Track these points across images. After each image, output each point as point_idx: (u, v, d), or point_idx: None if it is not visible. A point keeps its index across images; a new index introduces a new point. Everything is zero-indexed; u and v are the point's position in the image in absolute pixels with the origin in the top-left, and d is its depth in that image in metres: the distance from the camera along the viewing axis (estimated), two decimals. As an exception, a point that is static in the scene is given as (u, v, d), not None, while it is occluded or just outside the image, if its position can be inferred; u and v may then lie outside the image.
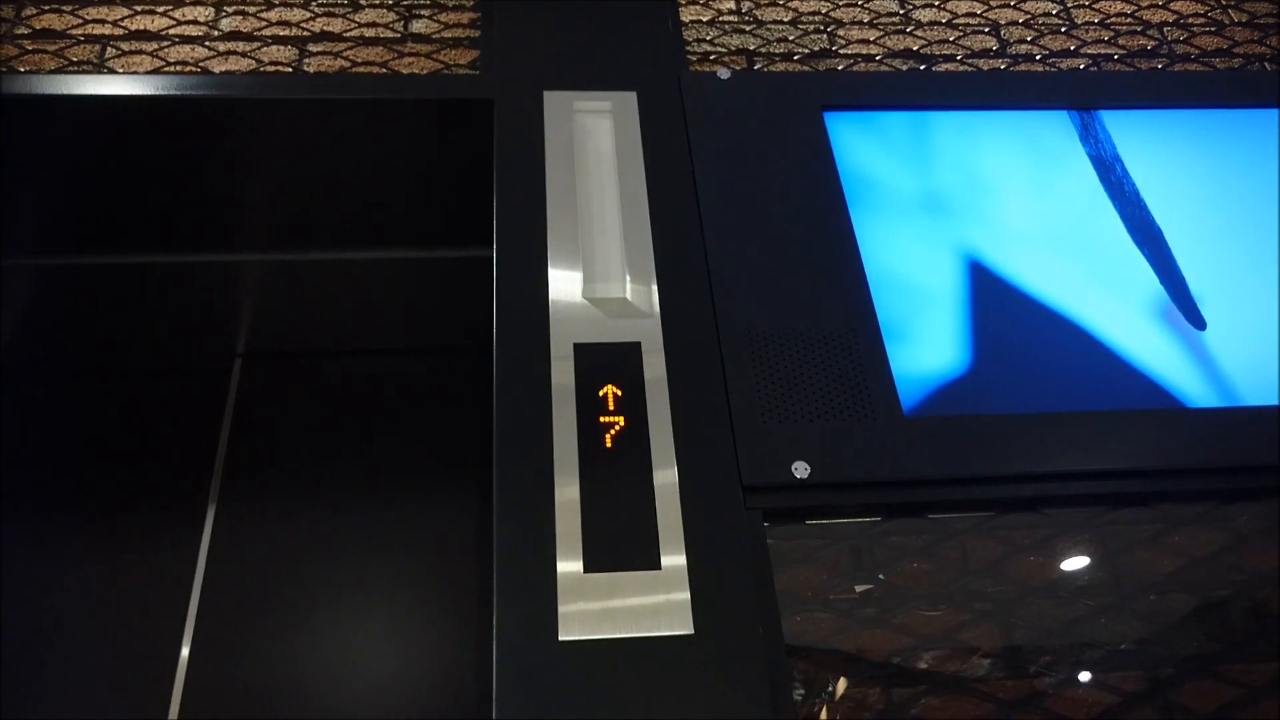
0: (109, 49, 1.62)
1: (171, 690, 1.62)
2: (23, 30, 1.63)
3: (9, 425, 1.85)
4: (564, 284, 1.33)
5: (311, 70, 1.62)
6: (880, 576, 1.20)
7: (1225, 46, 1.81)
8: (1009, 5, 1.86)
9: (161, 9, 1.68)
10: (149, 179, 1.63)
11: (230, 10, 1.70)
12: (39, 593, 1.71)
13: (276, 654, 1.67)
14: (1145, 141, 1.60)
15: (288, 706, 1.63)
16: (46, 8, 1.67)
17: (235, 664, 1.65)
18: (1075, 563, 1.23)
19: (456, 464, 1.86)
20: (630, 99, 1.53)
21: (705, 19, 1.76)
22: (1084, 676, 1.14)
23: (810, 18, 1.79)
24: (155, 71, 1.59)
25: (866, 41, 1.76)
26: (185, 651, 1.65)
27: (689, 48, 1.70)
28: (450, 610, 1.72)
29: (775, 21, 1.78)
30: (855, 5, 1.82)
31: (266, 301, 1.86)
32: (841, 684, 1.13)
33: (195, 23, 1.67)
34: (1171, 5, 1.88)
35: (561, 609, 1.07)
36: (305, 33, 1.68)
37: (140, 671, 1.64)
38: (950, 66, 1.72)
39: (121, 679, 1.65)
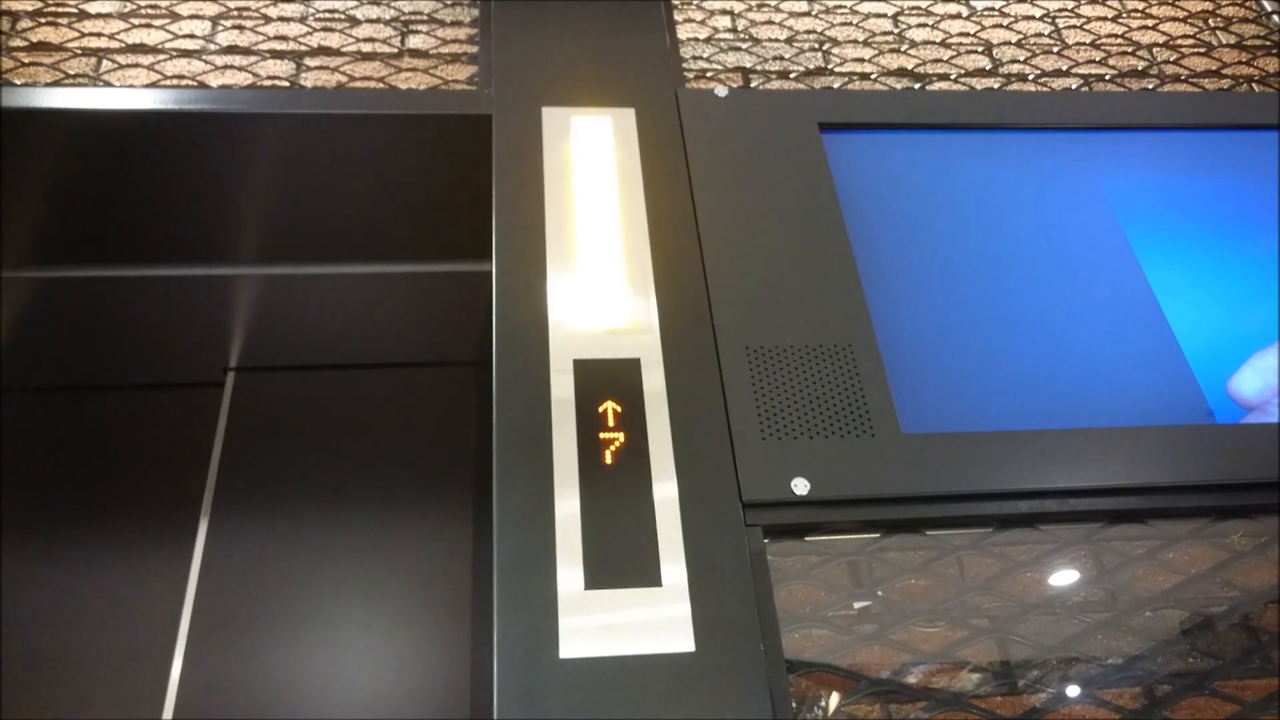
0: (105, 62, 1.62)
1: (163, 706, 1.60)
2: (19, 43, 1.63)
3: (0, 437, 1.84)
4: (563, 299, 1.33)
5: (309, 85, 1.62)
6: (879, 593, 1.20)
7: (1215, 68, 1.84)
8: (1002, 25, 1.88)
9: (159, 23, 1.68)
10: (144, 192, 1.62)
11: (227, 24, 1.70)
12: (31, 606, 1.69)
13: (269, 669, 1.66)
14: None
15: (280, 721, 1.62)
16: (43, 20, 1.67)
17: (227, 679, 1.64)
18: (1072, 579, 1.24)
19: (450, 480, 1.85)
20: (628, 115, 1.54)
21: (702, 36, 1.78)
22: (1080, 692, 1.15)
23: (805, 36, 1.80)
24: (152, 85, 1.59)
25: (861, 60, 1.77)
26: (177, 666, 1.64)
27: (686, 65, 1.71)
28: (444, 626, 1.71)
29: (771, 40, 1.79)
30: (850, 24, 1.84)
31: (260, 315, 1.86)
32: (839, 700, 1.13)
33: (192, 36, 1.67)
34: (1161, 27, 1.91)
35: (562, 626, 1.06)
36: (303, 47, 1.68)
37: (133, 685, 1.63)
38: (944, 85, 1.74)
39: (114, 693, 1.63)
